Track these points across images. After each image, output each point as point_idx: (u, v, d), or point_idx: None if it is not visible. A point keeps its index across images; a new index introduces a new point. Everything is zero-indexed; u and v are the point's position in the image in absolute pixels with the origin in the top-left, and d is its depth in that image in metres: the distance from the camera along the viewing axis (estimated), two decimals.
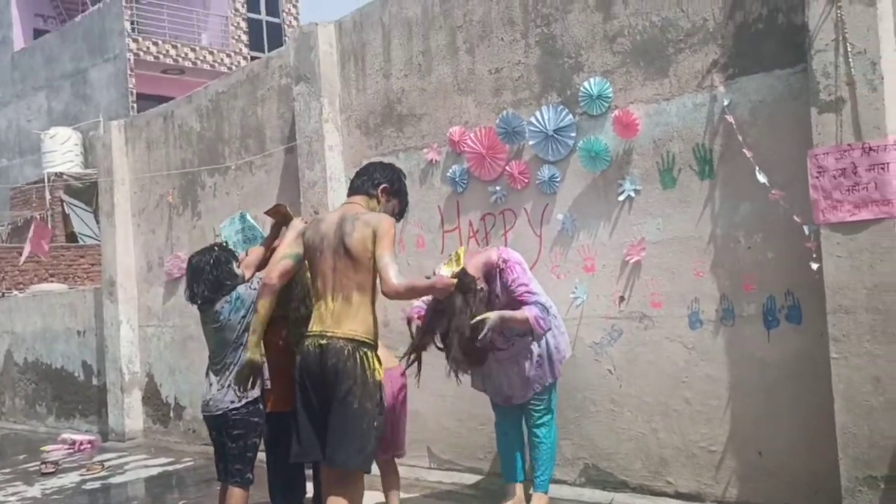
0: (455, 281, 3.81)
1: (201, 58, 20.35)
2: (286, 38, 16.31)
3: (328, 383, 3.49)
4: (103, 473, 6.85)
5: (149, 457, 7.42)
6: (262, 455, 4.38)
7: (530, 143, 5.05)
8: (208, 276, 4.14)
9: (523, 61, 5.12)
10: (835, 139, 3.74)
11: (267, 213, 4.66)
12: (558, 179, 4.97)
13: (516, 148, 5.18)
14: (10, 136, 25.90)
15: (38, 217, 13.11)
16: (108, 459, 7.39)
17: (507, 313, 4.23)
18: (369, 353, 3.54)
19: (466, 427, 5.44)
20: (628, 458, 4.74)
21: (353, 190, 3.96)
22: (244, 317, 4.12)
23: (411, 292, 3.75)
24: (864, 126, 3.67)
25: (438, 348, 4.18)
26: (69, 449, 8.12)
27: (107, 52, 19.97)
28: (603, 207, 4.81)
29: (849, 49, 3.69)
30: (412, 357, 4.00)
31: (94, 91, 20.87)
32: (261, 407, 4.19)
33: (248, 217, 4.99)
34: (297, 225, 4.37)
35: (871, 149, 3.63)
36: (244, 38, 21.22)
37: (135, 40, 19.24)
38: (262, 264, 4.48)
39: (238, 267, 4.26)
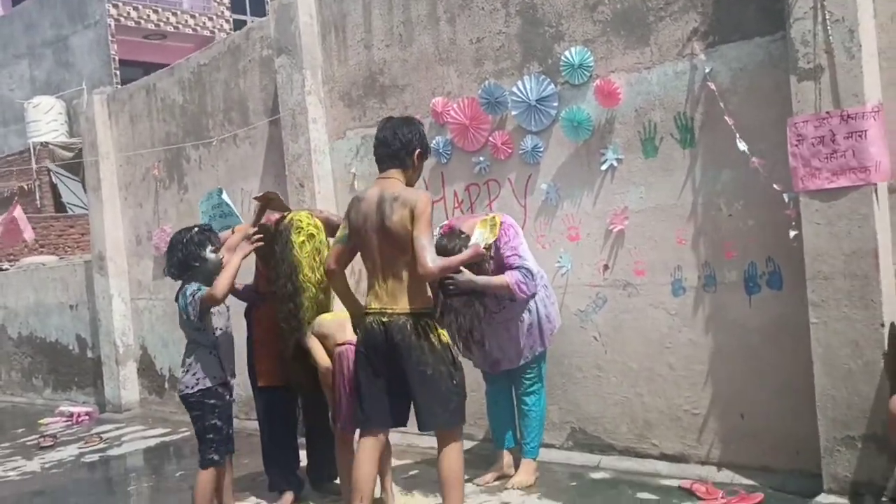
0: (485, 251, 4.09)
1: (183, 22, 20.13)
2: (268, 2, 16.11)
3: (398, 357, 3.67)
4: (101, 445, 6.95)
5: (146, 428, 7.52)
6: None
7: (513, 113, 5.06)
8: (178, 254, 4.15)
9: (504, 31, 5.10)
10: (814, 107, 3.76)
11: (256, 198, 4.68)
12: (541, 149, 4.99)
13: (499, 118, 5.19)
14: None
15: (16, 201, 12.91)
16: (106, 431, 7.50)
17: (483, 279, 4.27)
18: (429, 321, 3.73)
19: None
20: (614, 421, 4.84)
21: (387, 160, 3.82)
22: (201, 321, 4.15)
23: (446, 271, 3.88)
24: (843, 94, 3.69)
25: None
26: (67, 421, 8.23)
27: (87, 18, 19.70)
28: (586, 177, 4.84)
29: (827, 17, 3.69)
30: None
31: (75, 58, 20.63)
32: (220, 390, 4.19)
33: (224, 195, 4.98)
34: (234, 242, 4.37)
35: (849, 116, 3.65)
36: (226, 0, 20.95)
37: (115, 5, 18.99)
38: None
39: (215, 251, 4.19)
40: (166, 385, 8.08)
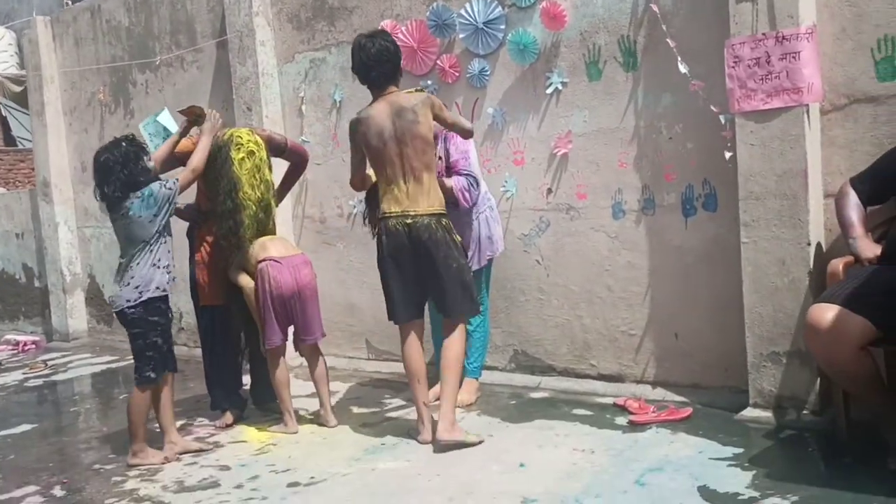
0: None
1: None
2: None
3: (424, 255, 3.94)
4: (46, 371, 6.92)
5: (93, 356, 7.49)
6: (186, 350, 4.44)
7: (460, 36, 5.02)
8: (120, 175, 3.97)
9: None
10: (750, 29, 3.79)
11: (181, 111, 4.59)
12: (488, 73, 4.97)
13: (447, 42, 5.15)
14: None
15: None
16: (52, 359, 7.45)
17: None
18: (446, 220, 4.01)
19: None
20: (555, 343, 4.94)
21: (383, 79, 4.01)
22: (155, 215, 4.02)
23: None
24: (779, 15, 3.72)
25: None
26: (13, 349, 8.15)
27: None
28: (532, 101, 4.84)
29: None
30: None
31: None
32: (162, 306, 4.12)
33: (167, 114, 4.88)
34: (208, 128, 4.39)
35: (784, 38, 3.69)
36: None
37: None
38: (168, 163, 4.43)
39: (150, 161, 4.12)
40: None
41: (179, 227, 4.64)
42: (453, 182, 4.35)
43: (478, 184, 4.46)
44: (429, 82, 5.23)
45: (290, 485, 3.66)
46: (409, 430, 4.20)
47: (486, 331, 4.81)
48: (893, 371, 3.51)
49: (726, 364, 4.26)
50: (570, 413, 4.36)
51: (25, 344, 8.19)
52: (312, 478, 3.71)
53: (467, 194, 4.38)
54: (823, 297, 3.27)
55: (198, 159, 4.27)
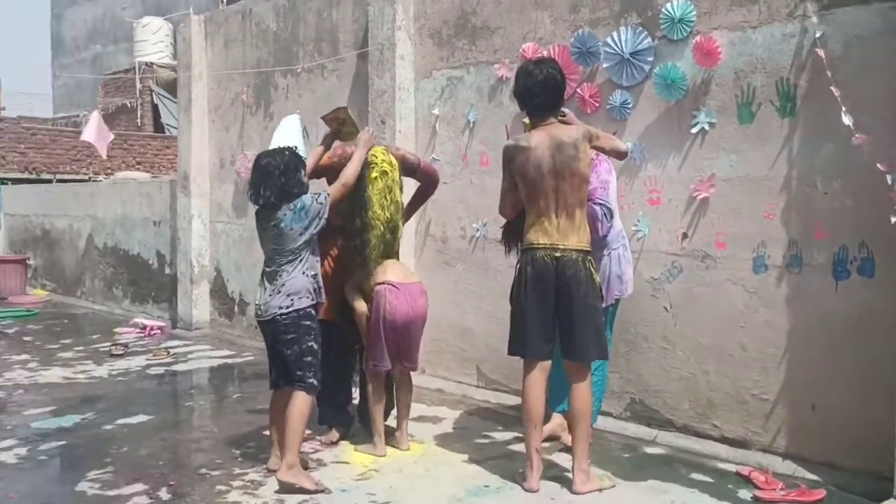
0: None
1: None
2: None
3: (565, 291, 3.83)
4: (168, 360, 7.15)
5: (212, 348, 7.70)
6: None
7: (604, 65, 4.82)
8: (276, 182, 3.93)
9: None
10: None
11: (323, 118, 4.58)
12: (630, 106, 4.75)
13: (589, 70, 4.96)
14: (106, 24, 26.40)
15: (100, 110, 13.10)
16: (174, 347, 7.71)
17: None
18: (591, 259, 3.92)
19: None
20: (676, 397, 4.66)
21: (544, 108, 3.93)
22: (306, 228, 3.97)
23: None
24: None
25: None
26: (140, 332, 8.50)
27: None
28: (674, 139, 4.58)
29: None
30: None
31: None
32: (313, 312, 4.05)
33: (297, 119, 4.90)
34: (364, 141, 4.34)
35: None
36: None
37: None
38: (312, 173, 4.41)
39: (305, 175, 4.06)
40: (236, 309, 8.24)
41: None
42: (587, 209, 4.13)
43: (611, 216, 4.24)
44: (565, 111, 5.03)
45: None
46: (514, 475, 4.04)
47: (604, 374, 4.59)
48: None
49: (869, 445, 3.87)
50: (687, 477, 4.08)
51: (152, 328, 8.53)
52: None
53: (599, 225, 4.16)
54: None
55: (350, 173, 4.20)
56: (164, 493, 3.89)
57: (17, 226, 13.10)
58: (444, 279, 5.90)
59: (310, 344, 3.97)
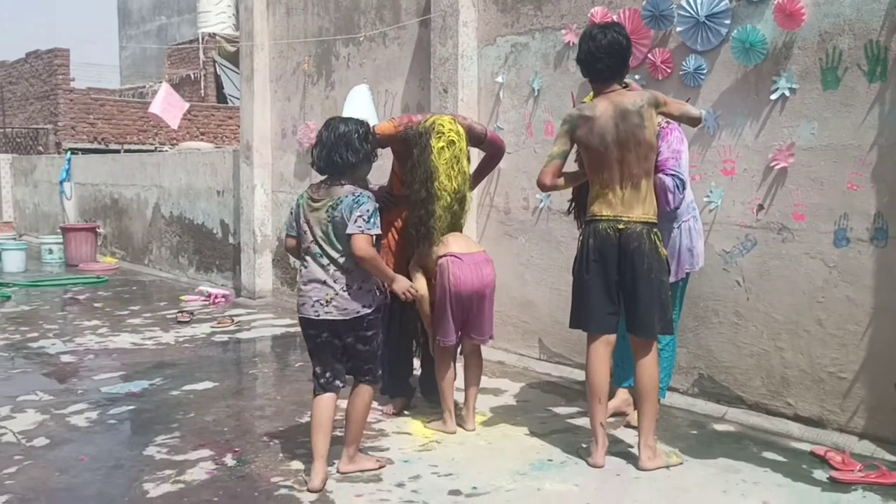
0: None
1: None
2: None
3: (629, 263, 3.71)
4: (232, 328, 7.23)
5: (275, 317, 7.77)
6: None
7: (678, 29, 4.63)
8: (364, 147, 3.62)
9: None
10: None
11: None
12: (704, 71, 4.56)
13: (662, 34, 4.78)
14: None
15: (166, 82, 13.25)
16: (238, 315, 7.80)
17: None
18: (657, 231, 3.77)
19: None
20: (747, 373, 4.51)
21: (610, 73, 3.74)
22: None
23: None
24: None
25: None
26: (205, 300, 8.63)
27: None
28: (752, 106, 4.39)
29: None
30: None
31: None
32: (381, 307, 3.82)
33: (366, 89, 4.81)
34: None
35: None
36: None
37: None
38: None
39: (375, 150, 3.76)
40: (297, 278, 8.26)
41: None
42: (657, 180, 3.98)
43: (684, 186, 4.05)
44: (636, 77, 4.86)
45: (452, 492, 3.52)
46: (578, 449, 3.96)
47: (674, 349, 4.46)
48: None
49: None
50: (758, 455, 3.95)
51: (216, 297, 8.65)
52: (475, 488, 3.56)
53: (671, 196, 3.96)
54: None
55: (379, 271, 3.66)
56: (229, 459, 3.92)
57: (88, 195, 13.42)
58: (507, 251, 5.80)
59: (380, 337, 3.78)
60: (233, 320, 7.49)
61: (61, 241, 12.12)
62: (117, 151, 17.31)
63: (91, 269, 11.29)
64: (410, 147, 4.37)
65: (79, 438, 4.25)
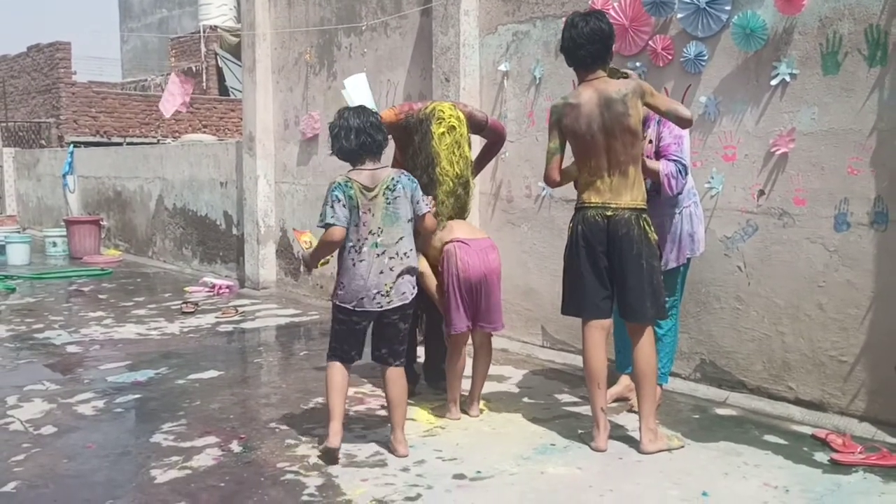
0: None
1: None
2: None
3: (618, 249, 3.74)
4: (237, 318, 7.27)
5: (279, 307, 7.81)
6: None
7: (678, 15, 4.64)
8: (379, 135, 3.74)
9: None
10: None
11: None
12: (705, 58, 4.57)
13: (662, 21, 4.78)
14: None
15: (175, 73, 13.25)
16: (243, 305, 7.84)
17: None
18: (646, 217, 3.79)
19: None
20: (749, 358, 4.53)
21: (592, 59, 3.74)
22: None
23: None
24: None
25: None
26: (209, 291, 8.66)
27: None
28: (752, 91, 4.40)
29: None
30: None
31: None
32: None
33: (364, 78, 4.86)
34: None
35: None
36: None
37: None
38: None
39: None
40: (301, 269, 8.31)
41: None
42: (660, 166, 4.00)
43: (686, 172, 4.07)
44: (637, 64, 4.89)
45: (456, 476, 3.56)
46: (581, 434, 3.99)
47: (676, 335, 4.49)
48: None
49: None
50: (760, 438, 3.98)
51: (220, 287, 8.68)
52: (479, 472, 3.60)
53: (674, 182, 4.00)
54: None
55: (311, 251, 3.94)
56: (235, 446, 3.96)
57: (91, 188, 13.46)
58: (510, 239, 5.83)
59: (410, 321, 3.92)
60: (237, 310, 7.53)
61: (65, 234, 12.16)
62: (119, 144, 17.34)
63: (95, 261, 11.33)
64: (411, 134, 4.40)
65: (86, 426, 4.29)
